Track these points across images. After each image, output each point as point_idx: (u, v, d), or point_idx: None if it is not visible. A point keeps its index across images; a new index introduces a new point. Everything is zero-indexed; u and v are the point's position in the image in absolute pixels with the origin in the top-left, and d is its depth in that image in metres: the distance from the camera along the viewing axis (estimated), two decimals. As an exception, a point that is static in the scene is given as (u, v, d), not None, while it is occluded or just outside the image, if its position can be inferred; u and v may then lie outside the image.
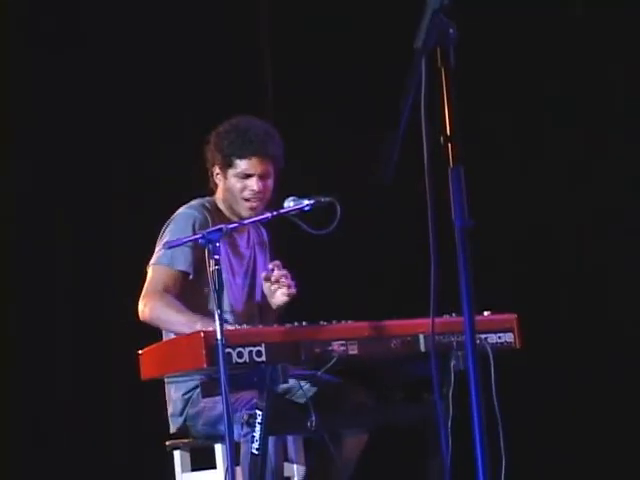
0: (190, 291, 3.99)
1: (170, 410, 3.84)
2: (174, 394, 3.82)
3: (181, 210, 4.17)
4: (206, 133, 4.39)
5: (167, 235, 4.08)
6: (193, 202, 4.22)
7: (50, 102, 6.35)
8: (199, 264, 3.91)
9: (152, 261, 4.05)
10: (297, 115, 6.43)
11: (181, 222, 4.04)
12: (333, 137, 6.24)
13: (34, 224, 6.07)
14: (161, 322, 3.98)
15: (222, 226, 3.53)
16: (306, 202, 3.72)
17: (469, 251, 2.42)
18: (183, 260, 4.02)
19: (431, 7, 2.74)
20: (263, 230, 4.36)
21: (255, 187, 3.90)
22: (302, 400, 3.79)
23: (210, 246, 3.42)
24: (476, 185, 3.10)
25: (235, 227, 3.73)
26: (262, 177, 3.96)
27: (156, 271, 4.07)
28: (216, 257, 3.40)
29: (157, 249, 4.07)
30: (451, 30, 2.69)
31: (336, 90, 6.30)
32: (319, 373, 3.73)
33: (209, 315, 3.76)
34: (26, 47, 6.53)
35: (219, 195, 4.08)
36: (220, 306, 3.37)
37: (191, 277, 4.03)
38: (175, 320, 3.90)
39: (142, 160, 6.44)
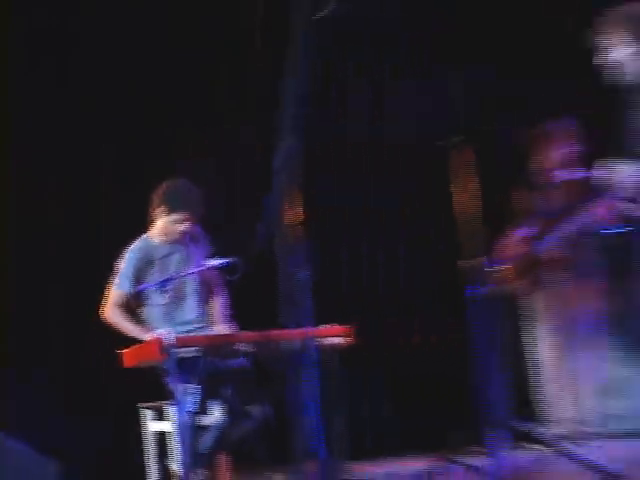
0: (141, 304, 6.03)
1: None
2: None
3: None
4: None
5: (121, 264, 6.04)
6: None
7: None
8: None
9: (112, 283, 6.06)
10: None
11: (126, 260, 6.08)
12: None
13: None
14: (113, 325, 5.97)
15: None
16: (222, 261, 5.76)
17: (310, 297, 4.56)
18: (128, 285, 6.01)
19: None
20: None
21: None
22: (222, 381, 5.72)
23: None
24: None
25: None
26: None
27: (110, 291, 6.04)
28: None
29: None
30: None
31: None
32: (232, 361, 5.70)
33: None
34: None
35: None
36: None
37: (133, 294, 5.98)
38: (126, 328, 5.93)
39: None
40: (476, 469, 5.10)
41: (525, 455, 5.69)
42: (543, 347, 7.18)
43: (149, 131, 8.19)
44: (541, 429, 6.84)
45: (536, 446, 5.49)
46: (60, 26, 7.90)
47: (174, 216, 6.06)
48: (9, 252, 7.58)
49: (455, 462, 5.31)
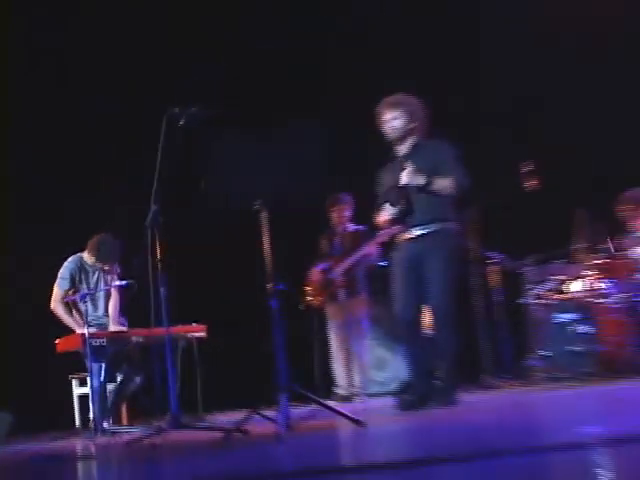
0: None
1: None
2: None
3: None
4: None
5: (61, 270, 7.90)
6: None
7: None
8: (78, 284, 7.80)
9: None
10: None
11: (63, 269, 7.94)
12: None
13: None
14: (58, 316, 7.78)
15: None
16: (123, 283, 7.62)
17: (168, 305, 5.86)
18: (66, 285, 7.87)
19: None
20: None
21: None
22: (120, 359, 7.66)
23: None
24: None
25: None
26: None
27: (55, 288, 7.89)
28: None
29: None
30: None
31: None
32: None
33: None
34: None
35: None
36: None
37: (71, 291, 7.78)
38: (65, 320, 7.76)
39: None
40: (271, 419, 5.73)
41: (302, 409, 6.47)
42: (332, 338, 9.13)
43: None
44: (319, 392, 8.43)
45: (312, 404, 6.14)
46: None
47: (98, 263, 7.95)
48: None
49: (259, 414, 5.93)
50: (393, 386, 8.95)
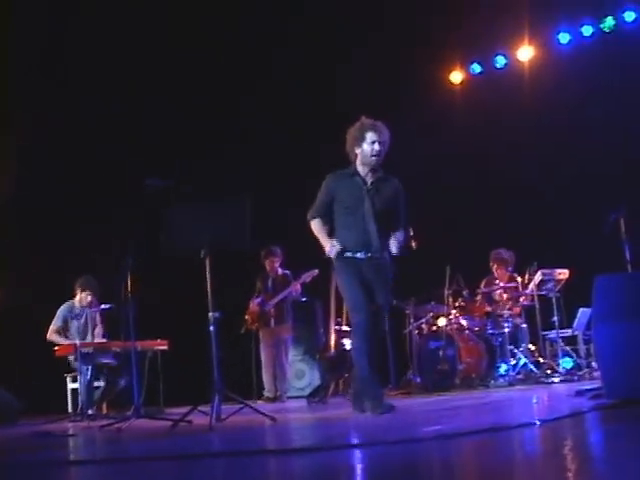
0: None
1: None
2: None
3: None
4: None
5: (57, 313, 8.61)
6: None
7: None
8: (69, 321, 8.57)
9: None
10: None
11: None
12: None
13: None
14: (54, 341, 8.40)
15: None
16: (105, 307, 8.26)
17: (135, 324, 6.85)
18: (59, 324, 8.55)
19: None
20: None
21: None
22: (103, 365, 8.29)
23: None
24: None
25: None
26: None
27: (51, 326, 8.57)
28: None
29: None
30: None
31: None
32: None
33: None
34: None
35: None
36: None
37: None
38: (60, 341, 8.33)
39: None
40: (206, 413, 5.90)
41: (232, 407, 6.36)
42: (264, 354, 9.64)
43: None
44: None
45: (238, 402, 6.27)
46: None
47: (84, 293, 8.68)
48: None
49: (199, 409, 6.15)
50: (307, 391, 9.43)
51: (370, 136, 5.91)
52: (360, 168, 6.03)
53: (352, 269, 5.93)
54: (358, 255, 5.94)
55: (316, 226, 6.12)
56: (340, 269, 5.99)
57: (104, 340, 8.50)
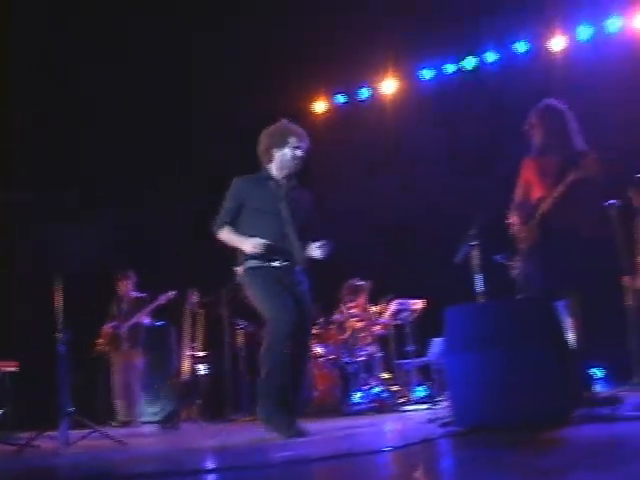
0: None
1: None
2: None
3: None
4: None
5: None
6: None
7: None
8: None
9: None
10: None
11: None
12: None
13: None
14: None
15: None
16: None
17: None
18: None
19: None
20: None
21: None
22: None
23: None
24: None
25: None
26: None
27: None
28: None
29: None
30: None
31: None
32: None
33: None
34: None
35: None
36: None
37: None
38: None
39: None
40: (54, 437, 5.93)
41: (82, 432, 6.35)
42: (115, 378, 9.51)
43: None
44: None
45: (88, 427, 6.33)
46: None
47: None
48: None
49: (45, 434, 6.15)
50: (160, 417, 9.37)
51: (293, 141, 5.74)
52: (276, 173, 5.80)
53: (269, 277, 5.53)
54: (275, 263, 5.58)
55: (226, 234, 5.70)
56: (254, 278, 5.53)
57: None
